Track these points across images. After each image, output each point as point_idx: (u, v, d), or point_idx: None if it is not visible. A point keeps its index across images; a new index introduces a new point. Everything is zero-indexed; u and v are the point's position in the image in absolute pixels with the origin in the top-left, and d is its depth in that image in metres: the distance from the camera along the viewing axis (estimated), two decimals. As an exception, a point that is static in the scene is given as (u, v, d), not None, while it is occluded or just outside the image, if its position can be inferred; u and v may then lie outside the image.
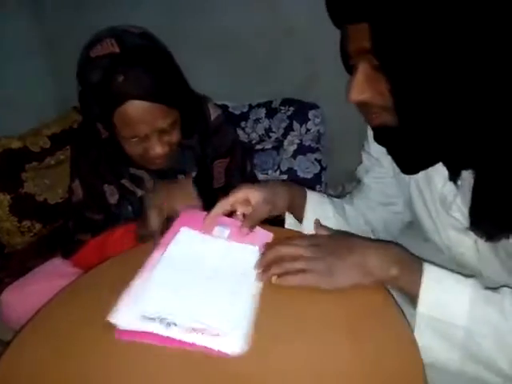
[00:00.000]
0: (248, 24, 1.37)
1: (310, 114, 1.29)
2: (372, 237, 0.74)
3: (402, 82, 0.45)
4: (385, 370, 0.43)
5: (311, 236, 0.59)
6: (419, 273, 0.47)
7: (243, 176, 0.89)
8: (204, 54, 1.55)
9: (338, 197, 0.81)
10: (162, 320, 0.48)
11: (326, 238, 0.56)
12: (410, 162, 0.53)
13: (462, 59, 0.42)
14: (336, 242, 0.54)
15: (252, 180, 0.94)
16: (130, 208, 0.81)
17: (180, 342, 0.46)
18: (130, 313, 0.49)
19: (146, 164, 0.75)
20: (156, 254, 0.58)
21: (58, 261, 0.92)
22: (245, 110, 1.38)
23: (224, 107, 1.45)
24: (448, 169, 0.53)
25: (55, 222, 1.47)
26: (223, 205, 0.61)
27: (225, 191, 0.78)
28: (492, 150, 0.45)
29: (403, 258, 0.50)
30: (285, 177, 1.29)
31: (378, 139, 0.55)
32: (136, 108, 0.66)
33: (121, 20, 1.66)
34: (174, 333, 0.47)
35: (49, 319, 0.53)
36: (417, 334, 0.46)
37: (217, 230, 0.62)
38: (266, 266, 0.53)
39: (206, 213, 0.64)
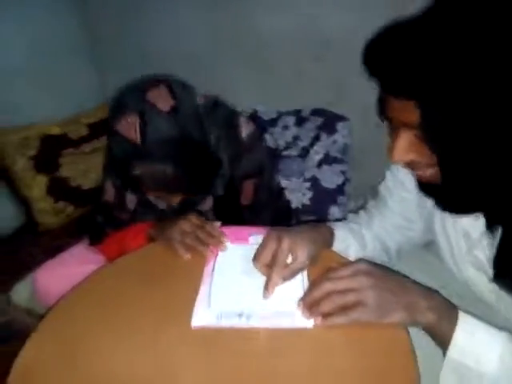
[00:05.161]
0: (286, 34, 1.40)
1: (339, 125, 1.31)
2: (386, 260, 0.76)
3: (448, 154, 0.47)
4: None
5: (354, 264, 0.55)
6: (455, 323, 0.49)
7: (271, 193, 0.90)
8: (241, 60, 1.59)
9: (360, 208, 0.82)
10: (239, 315, 0.54)
11: (370, 265, 0.54)
12: (452, 211, 0.55)
13: (499, 126, 0.44)
14: (385, 273, 0.53)
15: (278, 197, 0.94)
16: (149, 216, 0.85)
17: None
18: (209, 315, 0.55)
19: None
20: (208, 266, 0.65)
21: (86, 246, 0.97)
22: (274, 116, 1.41)
23: (254, 112, 1.49)
24: (487, 220, 0.54)
25: (86, 206, 1.55)
26: (265, 257, 0.60)
27: (252, 209, 0.82)
28: None
29: (443, 306, 0.51)
30: (308, 184, 1.31)
31: (423, 191, 0.57)
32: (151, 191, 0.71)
33: (159, 22, 1.74)
34: (253, 323, 0.53)
35: (73, 305, 0.60)
36: (442, 377, 0.49)
37: (251, 238, 0.69)
38: (313, 303, 0.52)
39: (238, 227, 0.70)
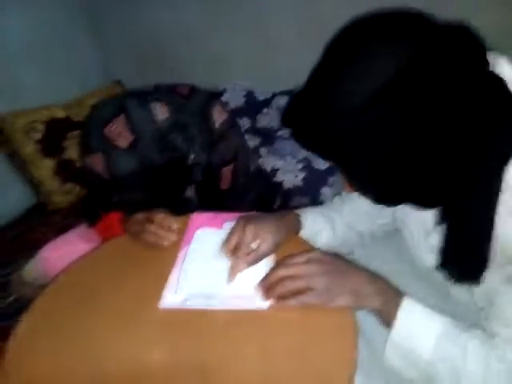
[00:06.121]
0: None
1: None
2: (359, 246, 0.79)
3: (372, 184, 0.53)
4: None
5: (308, 252, 0.60)
6: (398, 307, 0.53)
7: (249, 177, 0.93)
8: (241, 37, 1.59)
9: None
10: (204, 297, 0.59)
11: (323, 254, 0.59)
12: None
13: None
14: (334, 261, 0.58)
15: (258, 180, 0.98)
16: None
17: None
18: (177, 297, 0.59)
19: None
20: (182, 251, 0.69)
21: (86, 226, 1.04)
22: (268, 96, 1.42)
23: (250, 92, 1.50)
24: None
25: (92, 187, 1.62)
26: (230, 244, 0.64)
27: (232, 193, 0.85)
28: (455, 204, 0.50)
29: (388, 291, 0.55)
30: (300, 165, 1.33)
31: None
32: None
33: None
34: (215, 304, 0.58)
35: (61, 288, 0.66)
36: (386, 355, 0.54)
37: (225, 225, 0.72)
38: (269, 287, 0.57)
39: (213, 213, 0.73)
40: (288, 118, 0.51)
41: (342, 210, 0.79)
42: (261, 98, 1.43)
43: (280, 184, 1.14)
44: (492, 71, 0.48)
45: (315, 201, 1.27)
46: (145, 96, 0.78)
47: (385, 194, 0.54)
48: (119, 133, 0.75)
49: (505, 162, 0.46)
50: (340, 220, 0.77)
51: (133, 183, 0.76)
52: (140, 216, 0.71)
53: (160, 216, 0.69)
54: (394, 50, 0.42)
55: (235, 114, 1.29)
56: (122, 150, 0.75)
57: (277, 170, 1.32)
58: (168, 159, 0.77)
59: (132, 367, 0.52)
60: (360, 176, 0.52)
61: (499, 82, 0.47)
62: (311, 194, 1.28)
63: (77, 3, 1.81)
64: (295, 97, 0.51)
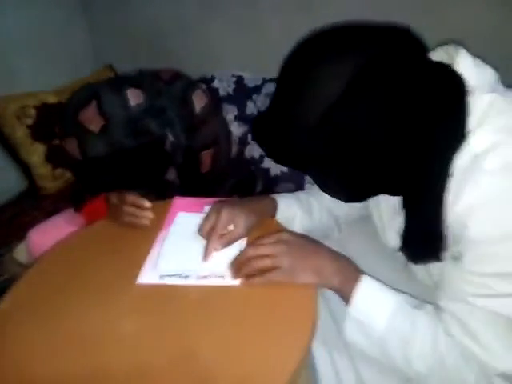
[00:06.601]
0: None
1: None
2: (334, 230, 0.82)
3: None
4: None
5: (277, 234, 0.63)
6: (356, 285, 0.57)
7: (229, 162, 0.97)
8: (230, 25, 1.59)
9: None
10: (179, 275, 0.63)
11: (291, 235, 0.63)
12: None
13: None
14: (299, 241, 0.62)
15: (237, 165, 1.01)
16: None
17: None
18: (154, 274, 0.63)
19: None
20: (162, 233, 0.72)
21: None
22: (258, 83, 1.42)
23: (239, 78, 1.50)
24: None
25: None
26: (206, 227, 0.67)
27: (212, 178, 0.88)
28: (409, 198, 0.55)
29: (348, 270, 0.59)
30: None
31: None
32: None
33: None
34: (190, 282, 0.61)
35: (46, 266, 0.70)
36: (346, 331, 0.58)
37: (205, 209, 0.75)
38: (239, 265, 0.61)
39: (194, 198, 0.76)
40: (257, 137, 0.58)
41: (321, 195, 0.82)
42: (251, 84, 1.43)
43: (262, 171, 1.16)
44: (438, 64, 0.51)
45: (300, 187, 1.29)
46: (120, 83, 0.80)
47: (353, 194, 0.59)
48: (91, 118, 0.78)
49: (452, 153, 0.49)
50: (318, 205, 0.80)
51: (106, 166, 0.79)
52: (114, 199, 0.74)
53: (131, 197, 0.72)
54: (338, 70, 0.48)
55: (224, 100, 1.30)
56: (94, 134, 0.78)
57: (263, 156, 1.33)
58: (140, 143, 0.79)
59: (109, 336, 0.55)
60: (329, 181, 0.58)
61: (445, 76, 0.50)
62: (296, 180, 1.29)
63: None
64: (259, 118, 0.57)
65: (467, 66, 0.51)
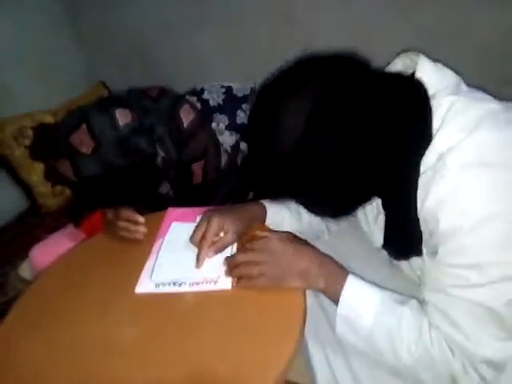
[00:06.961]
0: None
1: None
2: (324, 232, 0.85)
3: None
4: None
5: (265, 240, 0.66)
6: (342, 285, 0.60)
7: (219, 173, 0.99)
8: (218, 38, 1.63)
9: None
10: (174, 283, 0.66)
11: (279, 241, 0.65)
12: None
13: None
14: (285, 247, 0.64)
15: (229, 174, 1.03)
16: None
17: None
18: (150, 283, 0.67)
19: None
20: (157, 243, 0.76)
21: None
22: (247, 92, 1.46)
23: (229, 89, 1.54)
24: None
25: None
26: (197, 235, 0.71)
27: (204, 187, 0.91)
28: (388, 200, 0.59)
29: (333, 271, 0.62)
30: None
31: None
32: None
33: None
34: (184, 289, 0.64)
35: (48, 280, 0.73)
36: (337, 330, 0.61)
37: (197, 218, 0.78)
38: (230, 268, 0.66)
39: (188, 208, 0.80)
40: (244, 180, 0.62)
41: None
42: (240, 94, 1.47)
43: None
44: (393, 75, 0.55)
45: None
46: (109, 104, 0.84)
47: (337, 210, 0.63)
48: (82, 141, 0.82)
49: (421, 154, 0.52)
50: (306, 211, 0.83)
51: (100, 185, 0.82)
52: (109, 214, 0.78)
53: (126, 212, 0.75)
54: (297, 107, 0.52)
55: (215, 110, 1.33)
56: (86, 156, 0.81)
57: (236, 167, 1.37)
58: (131, 161, 0.83)
59: (110, 346, 0.58)
60: (313, 203, 0.62)
61: (403, 85, 0.54)
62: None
63: (57, 7, 1.85)
64: (243, 164, 0.62)
65: (428, 71, 0.55)
